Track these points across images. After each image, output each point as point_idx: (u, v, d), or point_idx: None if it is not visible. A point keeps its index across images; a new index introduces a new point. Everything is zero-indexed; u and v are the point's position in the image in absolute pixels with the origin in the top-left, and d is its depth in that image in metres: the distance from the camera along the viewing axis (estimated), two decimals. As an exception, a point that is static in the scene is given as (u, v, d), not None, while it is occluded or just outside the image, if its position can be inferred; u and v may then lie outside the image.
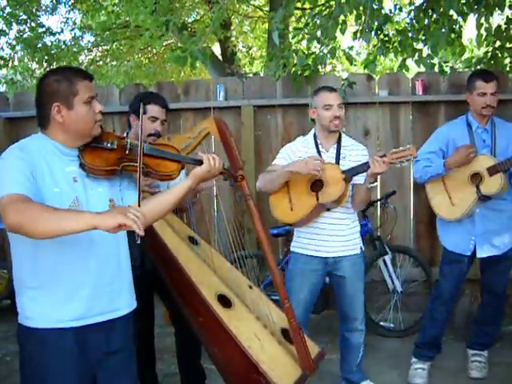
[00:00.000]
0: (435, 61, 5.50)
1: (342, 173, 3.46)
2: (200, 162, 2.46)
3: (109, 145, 2.34)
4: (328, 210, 3.59)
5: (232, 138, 2.68)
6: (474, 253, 3.95)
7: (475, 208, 3.87)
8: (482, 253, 3.92)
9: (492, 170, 3.74)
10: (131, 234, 2.52)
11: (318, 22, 5.55)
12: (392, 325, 5.01)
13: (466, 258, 3.98)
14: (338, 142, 3.71)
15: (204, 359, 3.74)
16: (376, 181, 3.41)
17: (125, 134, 3.57)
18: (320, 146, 3.71)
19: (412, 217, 5.40)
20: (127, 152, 2.36)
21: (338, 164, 3.60)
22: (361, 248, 3.77)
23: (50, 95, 2.22)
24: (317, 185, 3.53)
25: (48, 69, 10.99)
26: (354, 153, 3.68)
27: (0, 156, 2.18)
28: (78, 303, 2.23)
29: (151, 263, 3.26)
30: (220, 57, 11.07)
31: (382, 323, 5.00)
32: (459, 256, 3.98)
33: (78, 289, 2.22)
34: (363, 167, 3.40)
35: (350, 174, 3.46)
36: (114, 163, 2.32)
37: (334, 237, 3.65)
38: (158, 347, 3.92)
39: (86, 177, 2.27)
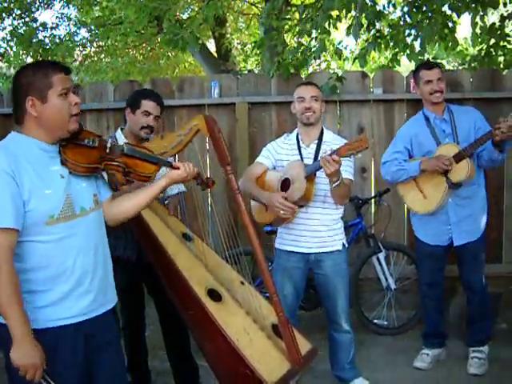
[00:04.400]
0: (426, 56, 5.52)
1: (303, 170, 3.51)
2: (176, 167, 2.58)
3: (90, 142, 2.37)
4: (301, 206, 3.60)
5: (220, 134, 2.73)
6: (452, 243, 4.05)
7: (447, 198, 3.92)
8: (459, 240, 4.01)
9: (457, 157, 3.78)
10: (131, 230, 2.56)
11: (307, 13, 5.59)
12: (385, 322, 5.02)
13: (443, 249, 4.09)
14: (320, 137, 3.75)
15: (198, 357, 3.75)
16: (338, 180, 3.31)
17: (119, 130, 3.65)
18: (301, 142, 3.78)
19: (406, 214, 5.41)
20: (108, 151, 2.40)
21: (316, 159, 3.63)
22: (343, 244, 3.78)
23: (24, 89, 2.19)
24: (287, 184, 3.61)
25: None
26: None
27: None
28: (82, 298, 2.28)
29: (147, 258, 3.28)
30: (215, 54, 11.05)
31: (375, 321, 5.01)
32: (436, 248, 4.08)
33: (80, 283, 2.26)
34: (319, 164, 3.37)
35: (309, 172, 3.48)
36: (95, 161, 2.36)
37: (313, 232, 3.67)
38: (152, 343, 3.92)
39: (70, 173, 2.28)
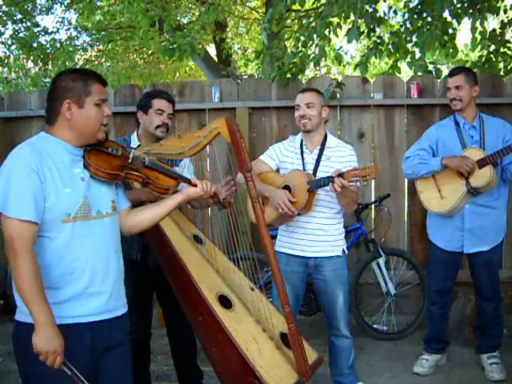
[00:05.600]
0: (426, 63, 5.54)
1: (307, 183, 3.49)
2: (194, 184, 2.61)
3: (114, 151, 2.43)
4: (299, 214, 3.61)
5: (242, 140, 2.67)
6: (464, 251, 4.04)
7: (465, 204, 3.92)
8: (470, 248, 4.00)
9: (481, 163, 3.77)
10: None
11: (306, 22, 5.59)
12: (385, 327, 5.01)
13: (455, 256, 4.07)
14: (323, 143, 3.73)
15: (201, 362, 3.74)
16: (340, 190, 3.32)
17: (134, 132, 3.63)
18: (304, 147, 3.76)
19: (406, 219, 5.41)
20: (130, 161, 2.47)
21: (318, 165, 3.65)
22: (343, 251, 3.77)
23: (63, 91, 2.29)
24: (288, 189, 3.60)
25: (43, 68, 11.03)
26: (341, 154, 3.69)
27: (11, 155, 2.23)
28: (93, 299, 2.32)
29: (154, 261, 3.27)
30: (215, 58, 11.07)
31: (375, 326, 5.01)
32: (449, 254, 4.07)
33: (91, 283, 2.31)
34: (326, 181, 3.39)
35: (313, 186, 3.48)
36: (117, 169, 2.41)
37: (312, 236, 3.67)
38: (151, 348, 3.91)
39: (91, 177, 2.35)
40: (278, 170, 3.84)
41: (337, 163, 3.59)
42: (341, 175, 3.25)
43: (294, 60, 5.45)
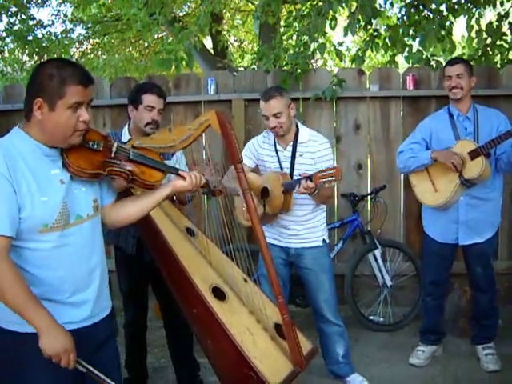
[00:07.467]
0: (424, 55, 5.54)
1: (281, 185, 3.50)
2: (182, 176, 2.47)
3: (95, 146, 2.25)
4: (280, 213, 3.66)
5: (233, 132, 2.65)
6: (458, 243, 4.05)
7: (459, 196, 3.92)
8: (465, 240, 4.01)
9: (473, 154, 3.77)
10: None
11: (307, 20, 5.58)
12: (381, 319, 5.02)
13: (450, 248, 4.08)
14: (295, 138, 3.70)
15: (197, 353, 3.75)
16: (315, 191, 3.28)
17: (126, 126, 3.61)
18: (278, 145, 3.75)
19: (402, 211, 5.42)
20: (112, 155, 2.30)
21: (294, 163, 3.65)
22: (324, 240, 3.80)
23: (36, 87, 2.06)
24: (266, 192, 3.64)
25: (39, 61, 10.96)
26: (313, 149, 3.65)
27: None
28: (76, 308, 2.21)
29: (150, 255, 3.26)
30: (211, 50, 11.04)
31: (371, 317, 5.02)
32: (444, 246, 4.08)
33: (73, 293, 2.19)
34: (296, 184, 3.36)
35: (288, 188, 3.50)
36: (99, 166, 2.25)
37: (291, 230, 3.73)
38: (148, 341, 3.92)
39: (71, 178, 2.19)
40: (257, 166, 3.86)
41: (309, 159, 3.64)
42: (309, 178, 3.25)
43: (297, 62, 5.41)
